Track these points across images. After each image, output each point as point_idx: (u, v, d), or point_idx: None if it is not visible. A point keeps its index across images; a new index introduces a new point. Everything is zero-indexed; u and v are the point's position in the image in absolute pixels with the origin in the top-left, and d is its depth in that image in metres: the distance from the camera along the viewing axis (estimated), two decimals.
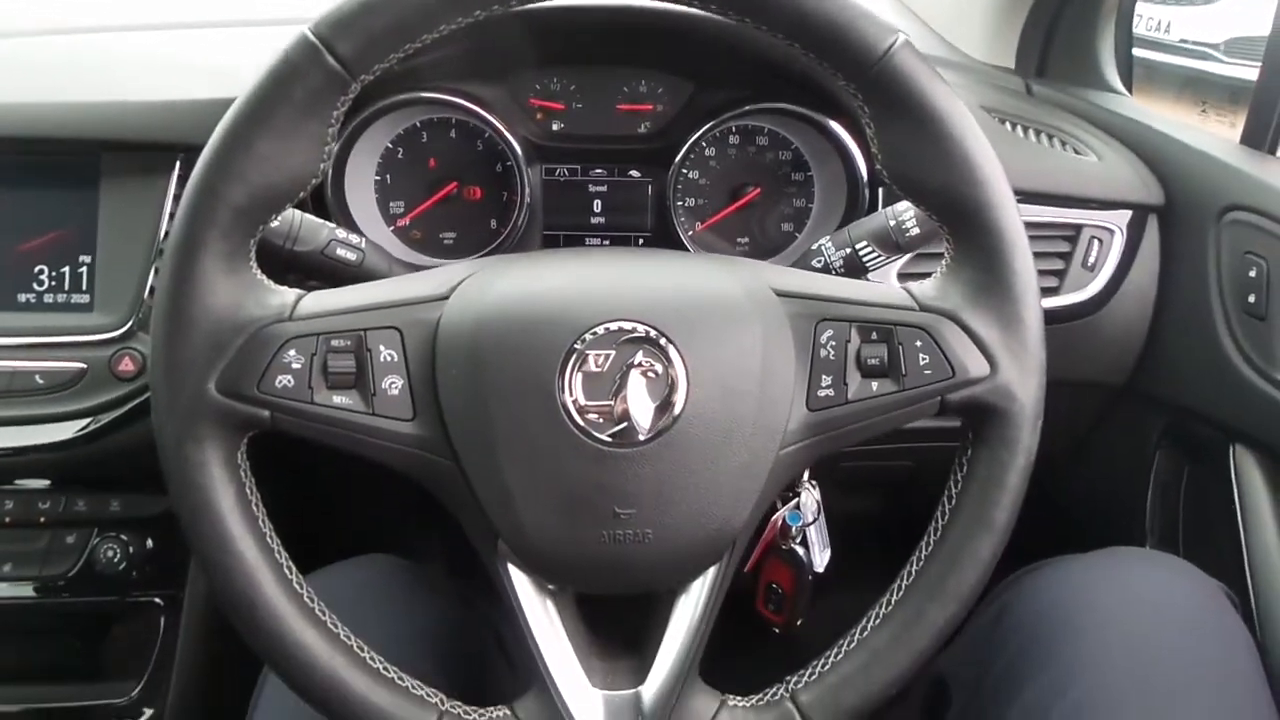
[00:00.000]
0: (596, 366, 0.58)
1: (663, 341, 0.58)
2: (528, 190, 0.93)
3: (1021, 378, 0.60)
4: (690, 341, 0.58)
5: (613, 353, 0.58)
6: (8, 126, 0.85)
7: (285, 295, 0.60)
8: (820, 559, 0.90)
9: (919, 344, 0.60)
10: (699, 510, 0.58)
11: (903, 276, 0.92)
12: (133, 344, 0.84)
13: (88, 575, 0.91)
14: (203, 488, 0.57)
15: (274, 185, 0.58)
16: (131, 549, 0.91)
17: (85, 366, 0.84)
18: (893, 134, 0.60)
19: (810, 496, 0.86)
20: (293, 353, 0.58)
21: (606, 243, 0.98)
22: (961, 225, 0.61)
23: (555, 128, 0.95)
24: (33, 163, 0.86)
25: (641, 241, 0.98)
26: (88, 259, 0.86)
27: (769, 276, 0.64)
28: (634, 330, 0.58)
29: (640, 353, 0.58)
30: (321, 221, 0.79)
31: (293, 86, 0.56)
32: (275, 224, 0.64)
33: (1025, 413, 0.61)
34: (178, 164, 0.85)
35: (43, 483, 0.91)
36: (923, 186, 0.60)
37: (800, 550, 0.88)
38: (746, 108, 0.91)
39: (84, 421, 0.84)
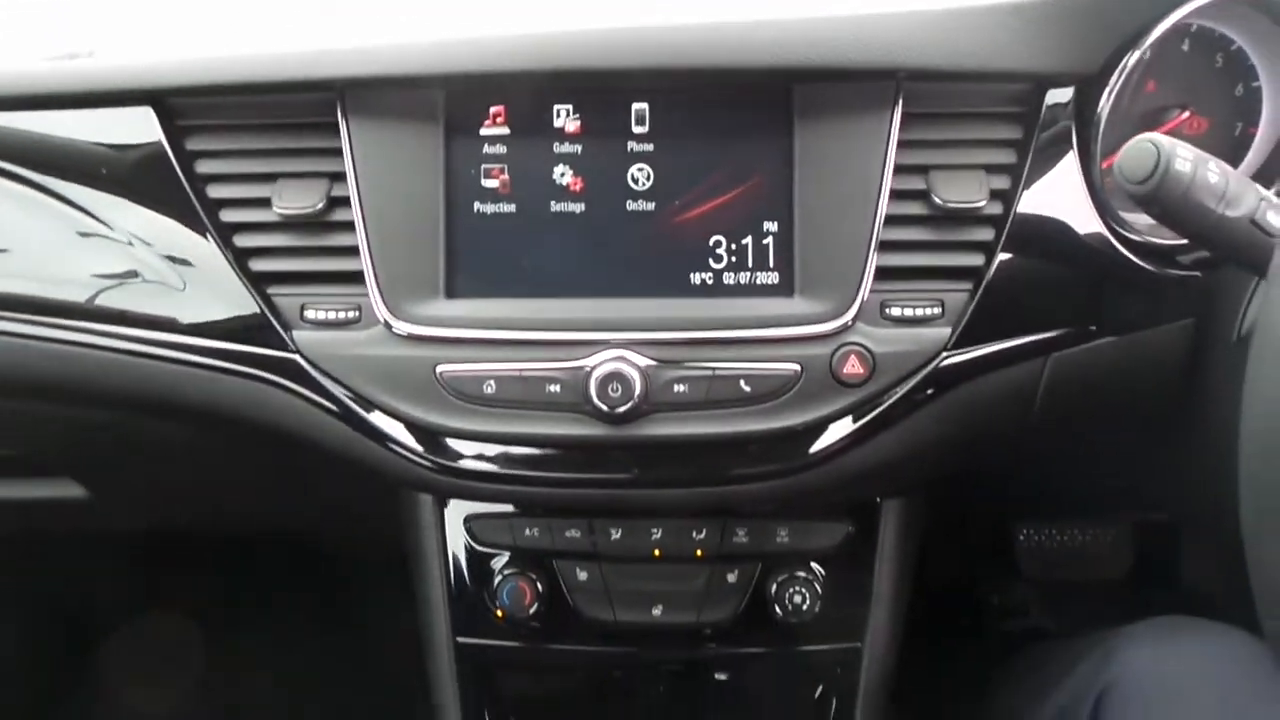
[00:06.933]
0: None
1: None
2: None
3: None
4: None
5: None
6: (681, 55, 0.65)
7: None
8: None
9: None
10: None
11: None
12: (856, 339, 0.65)
13: (760, 620, 0.74)
14: None
15: None
16: (817, 586, 0.72)
17: (799, 369, 0.65)
18: None
19: None
20: None
21: None
22: None
23: None
24: (703, 105, 0.67)
25: None
26: (773, 226, 0.67)
27: None
28: None
29: None
30: (1248, 180, 0.56)
31: None
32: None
33: None
34: (900, 94, 0.64)
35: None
36: None
37: None
38: None
39: (826, 441, 0.65)
